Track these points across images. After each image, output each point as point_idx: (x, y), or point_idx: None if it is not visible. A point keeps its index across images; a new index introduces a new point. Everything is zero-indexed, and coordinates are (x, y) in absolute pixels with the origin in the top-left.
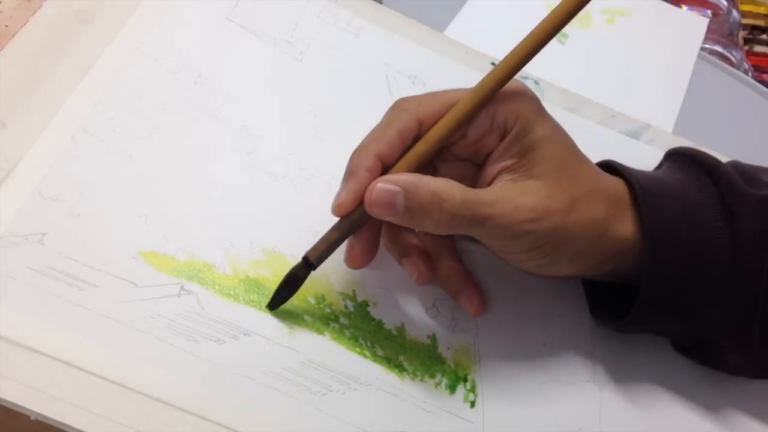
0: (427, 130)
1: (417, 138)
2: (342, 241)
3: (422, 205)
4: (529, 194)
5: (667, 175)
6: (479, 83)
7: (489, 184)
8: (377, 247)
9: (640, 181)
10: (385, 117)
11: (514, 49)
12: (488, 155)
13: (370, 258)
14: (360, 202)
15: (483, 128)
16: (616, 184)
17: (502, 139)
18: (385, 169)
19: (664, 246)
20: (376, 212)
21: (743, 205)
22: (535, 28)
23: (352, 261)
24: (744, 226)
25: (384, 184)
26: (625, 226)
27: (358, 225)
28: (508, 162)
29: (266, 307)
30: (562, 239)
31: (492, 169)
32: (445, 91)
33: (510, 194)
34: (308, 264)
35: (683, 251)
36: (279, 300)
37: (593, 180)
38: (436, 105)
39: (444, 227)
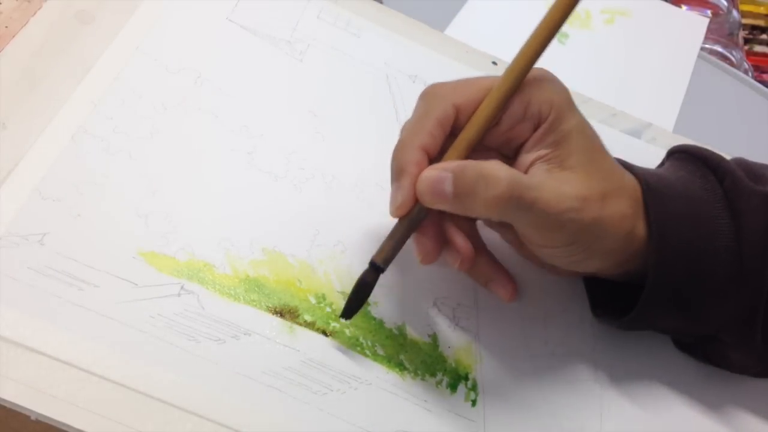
0: (466, 116)
1: (456, 124)
2: (405, 239)
3: (470, 187)
4: (568, 184)
5: (671, 173)
6: (511, 65)
7: (524, 173)
8: (443, 238)
9: (646, 178)
10: (419, 107)
11: (541, 23)
12: (520, 145)
13: (440, 250)
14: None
15: (516, 117)
16: (634, 182)
17: (535, 128)
18: (431, 160)
19: (669, 242)
20: (427, 200)
21: (747, 202)
22: (552, 6)
23: (426, 258)
24: (748, 222)
25: (432, 171)
26: (642, 226)
27: (418, 221)
28: (543, 152)
29: (340, 317)
30: (597, 232)
31: (527, 157)
32: (476, 78)
33: (552, 182)
34: (376, 268)
35: (688, 248)
36: (352, 309)
37: (619, 176)
38: (472, 90)
39: (493, 209)
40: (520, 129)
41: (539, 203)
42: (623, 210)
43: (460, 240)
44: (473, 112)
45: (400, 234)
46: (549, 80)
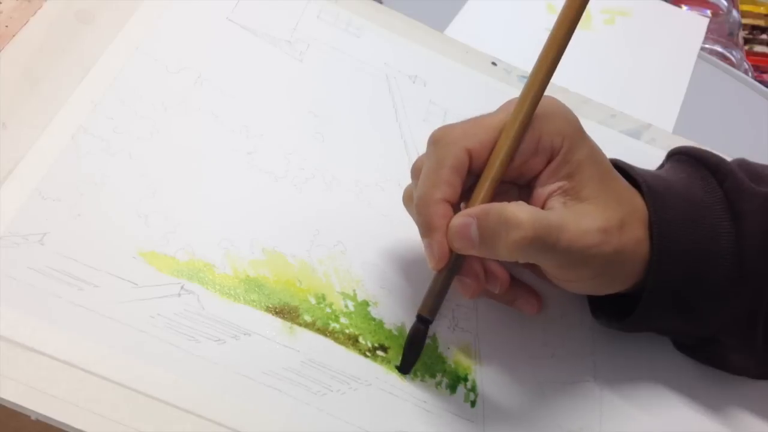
0: (479, 159)
1: (470, 168)
2: (447, 287)
3: (493, 230)
4: (589, 217)
5: (671, 175)
6: (521, 99)
7: (542, 207)
8: (481, 273)
9: (646, 180)
10: (431, 155)
11: (543, 54)
12: (534, 178)
13: (483, 284)
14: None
15: (528, 152)
16: (642, 201)
17: (548, 161)
18: (453, 206)
19: (670, 245)
20: (457, 247)
21: (748, 204)
22: (554, 29)
23: (473, 295)
24: (749, 224)
25: (458, 218)
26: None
27: (456, 269)
28: (558, 184)
29: (399, 371)
30: (618, 261)
31: (542, 191)
32: (484, 118)
33: (573, 218)
34: (423, 320)
35: (688, 250)
36: (409, 362)
37: (631, 199)
38: (482, 132)
39: (517, 252)
40: (533, 163)
41: (562, 242)
42: (639, 235)
43: (496, 268)
44: (486, 154)
45: (441, 284)
46: (558, 111)
